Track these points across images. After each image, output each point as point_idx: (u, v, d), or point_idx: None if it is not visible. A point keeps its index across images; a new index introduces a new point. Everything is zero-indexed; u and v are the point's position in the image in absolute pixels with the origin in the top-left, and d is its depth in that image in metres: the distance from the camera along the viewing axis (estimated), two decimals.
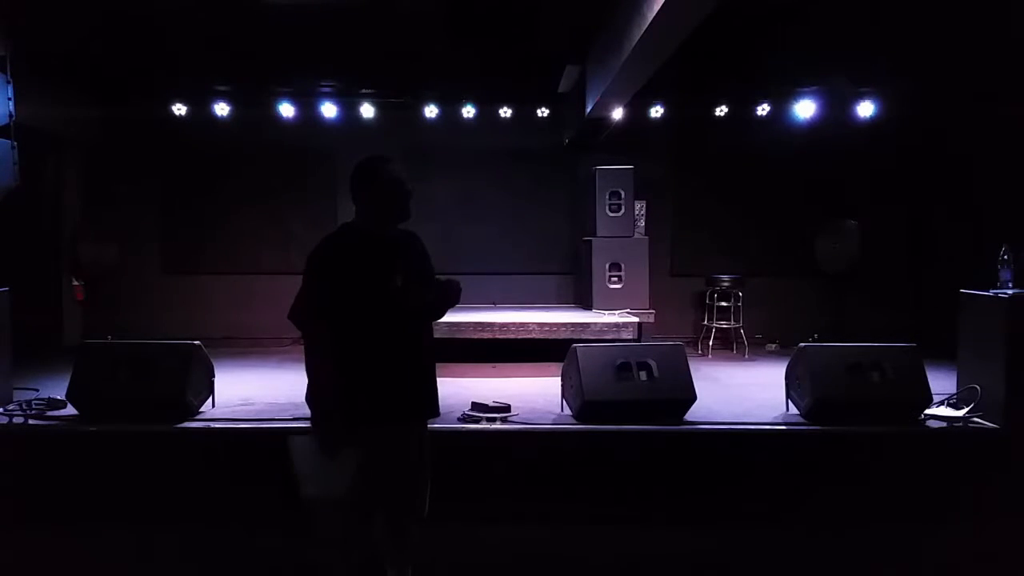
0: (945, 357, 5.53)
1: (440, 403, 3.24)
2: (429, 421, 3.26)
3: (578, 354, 5.00)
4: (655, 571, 3.99)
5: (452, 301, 3.12)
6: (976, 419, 4.87)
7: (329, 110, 8.30)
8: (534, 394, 5.66)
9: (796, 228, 8.68)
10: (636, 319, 7.32)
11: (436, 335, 3.26)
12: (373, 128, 8.38)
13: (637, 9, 4.88)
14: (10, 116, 5.21)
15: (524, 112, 8.48)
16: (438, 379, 3.23)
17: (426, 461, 3.20)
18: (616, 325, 7.19)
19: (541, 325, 7.18)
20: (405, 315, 3.00)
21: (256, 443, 4.70)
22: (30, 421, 4.89)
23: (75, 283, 8.45)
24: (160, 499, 4.39)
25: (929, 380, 4.93)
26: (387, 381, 2.97)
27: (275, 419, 4.91)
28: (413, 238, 3.21)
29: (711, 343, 8.14)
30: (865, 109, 8.15)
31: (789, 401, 5.23)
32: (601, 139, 8.11)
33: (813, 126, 8.28)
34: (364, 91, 8.24)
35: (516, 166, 8.75)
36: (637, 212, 8.39)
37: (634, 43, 5.00)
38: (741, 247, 8.66)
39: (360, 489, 2.93)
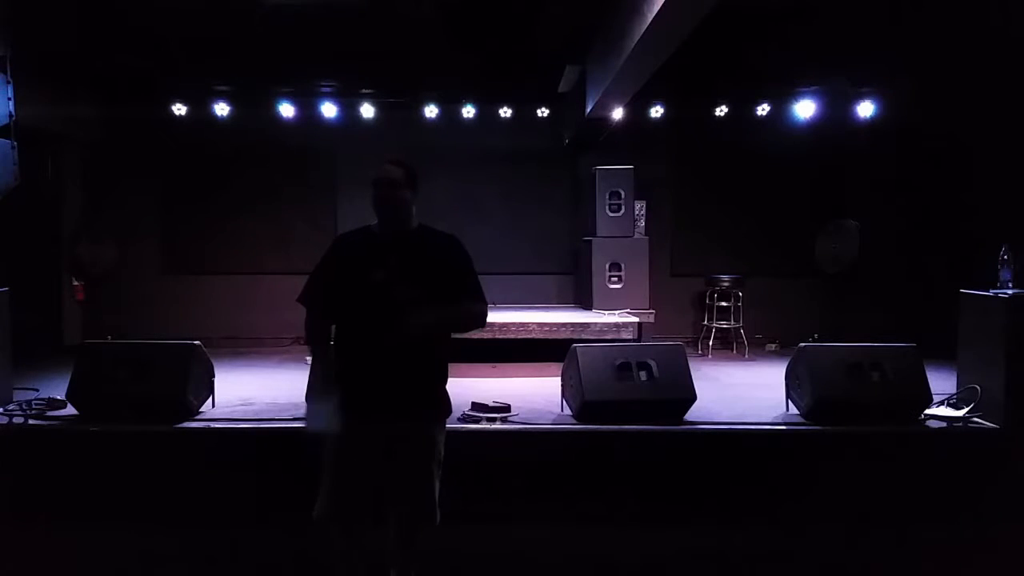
0: (945, 357, 5.53)
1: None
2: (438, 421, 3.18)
3: (578, 354, 5.00)
4: (655, 571, 3.99)
5: (461, 326, 3.13)
6: (976, 419, 4.87)
7: (329, 110, 8.30)
8: (534, 394, 5.66)
9: (796, 228, 8.68)
10: (636, 319, 7.32)
11: None
12: (373, 128, 8.38)
13: (637, 9, 4.88)
14: (10, 116, 5.21)
15: (524, 112, 8.48)
16: None
17: (433, 464, 3.12)
18: (616, 325, 7.19)
19: (541, 325, 7.18)
20: (389, 310, 2.91)
21: (256, 443, 4.70)
22: (30, 421, 4.89)
23: (75, 283, 8.45)
24: (160, 499, 4.39)
25: (929, 380, 4.93)
26: (371, 376, 2.98)
27: (275, 419, 4.91)
28: (433, 239, 3.14)
29: (711, 343, 8.14)
30: (865, 109, 8.16)
31: (789, 401, 5.23)
32: (601, 139, 8.11)
33: (813, 126, 8.28)
34: (364, 91, 8.24)
35: (516, 166, 8.74)
36: (637, 212, 8.39)
37: (634, 43, 5.00)
38: (741, 247, 8.65)
39: (346, 474, 2.98)
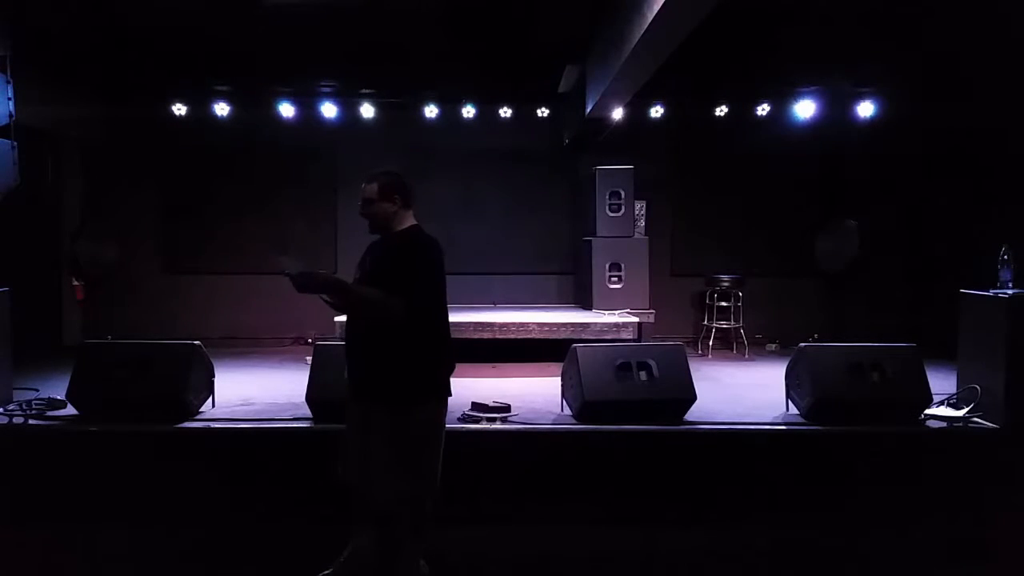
0: (945, 357, 5.53)
1: None
2: (399, 410, 3.17)
3: (578, 354, 5.00)
4: (655, 571, 3.99)
5: (310, 289, 3.19)
6: (976, 419, 4.87)
7: (329, 110, 8.30)
8: (534, 394, 5.66)
9: (796, 228, 8.68)
10: (636, 319, 7.32)
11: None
12: (373, 128, 8.38)
13: (637, 9, 4.88)
14: (10, 116, 5.21)
15: (524, 112, 8.47)
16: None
17: (378, 447, 3.14)
18: (616, 325, 7.19)
19: (541, 325, 7.18)
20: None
21: (256, 443, 4.70)
22: (30, 421, 4.89)
23: (75, 283, 8.45)
24: (160, 499, 4.39)
25: (929, 380, 4.93)
26: (347, 359, 3.35)
27: (275, 419, 4.91)
28: (398, 240, 3.32)
29: (711, 343, 8.14)
30: (865, 109, 8.16)
31: (789, 401, 5.23)
32: (601, 139, 8.11)
33: (813, 126, 8.29)
34: (364, 91, 8.23)
35: (516, 166, 8.75)
36: (637, 212, 8.39)
37: (634, 43, 5.00)
38: (741, 247, 8.65)
39: (345, 440, 3.35)
